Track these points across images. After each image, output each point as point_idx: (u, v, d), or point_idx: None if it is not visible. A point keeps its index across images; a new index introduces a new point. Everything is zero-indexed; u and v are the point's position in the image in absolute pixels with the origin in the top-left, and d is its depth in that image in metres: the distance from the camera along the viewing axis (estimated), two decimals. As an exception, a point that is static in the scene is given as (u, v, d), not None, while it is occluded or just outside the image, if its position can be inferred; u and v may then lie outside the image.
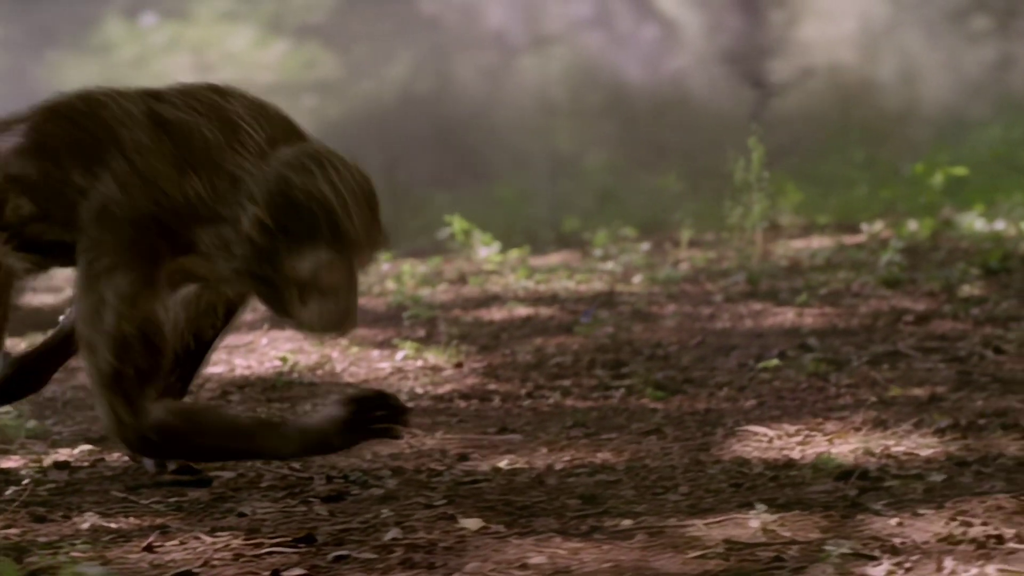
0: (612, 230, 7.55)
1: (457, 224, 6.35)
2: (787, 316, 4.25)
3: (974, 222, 6.87)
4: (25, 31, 12.51)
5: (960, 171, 7.06)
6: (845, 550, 1.94)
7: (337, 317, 2.30)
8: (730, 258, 5.79)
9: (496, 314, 4.70)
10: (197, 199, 2.33)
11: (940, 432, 2.78)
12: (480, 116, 12.99)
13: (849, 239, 6.73)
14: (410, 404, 3.42)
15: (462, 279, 5.75)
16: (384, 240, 2.35)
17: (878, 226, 7.11)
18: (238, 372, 3.84)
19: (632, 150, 12.28)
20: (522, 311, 4.69)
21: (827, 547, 1.95)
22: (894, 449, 2.64)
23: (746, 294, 4.70)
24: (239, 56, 13.46)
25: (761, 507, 2.21)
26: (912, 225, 6.91)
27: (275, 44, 13.69)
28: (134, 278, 2.33)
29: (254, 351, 4.17)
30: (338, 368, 3.84)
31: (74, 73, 13.69)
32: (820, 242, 6.66)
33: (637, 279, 5.30)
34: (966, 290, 4.62)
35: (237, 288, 2.44)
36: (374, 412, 2.36)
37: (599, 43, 11.70)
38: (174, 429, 2.36)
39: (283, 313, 2.33)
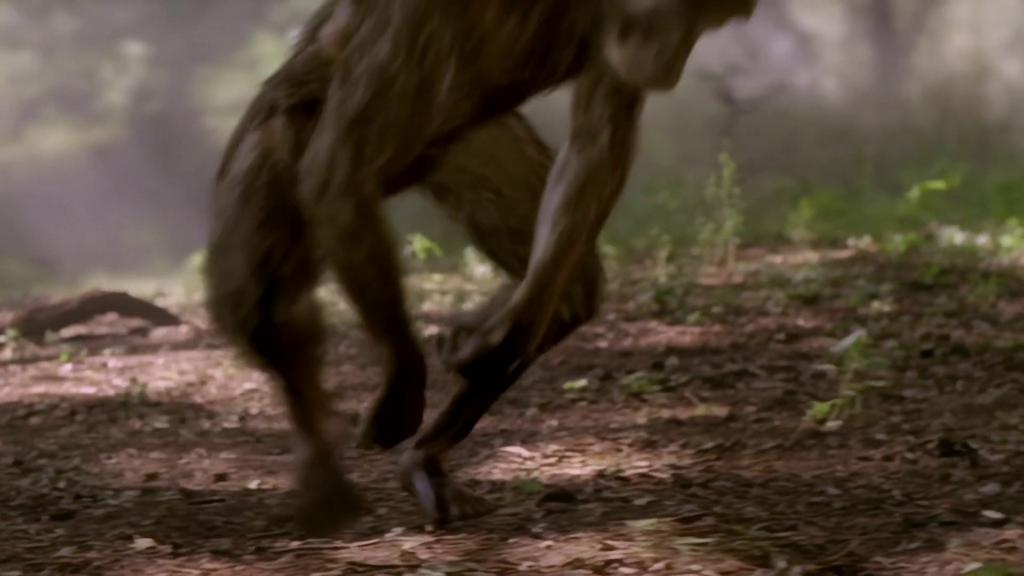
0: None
1: (418, 243, 6.35)
2: (668, 335, 4.20)
3: (954, 236, 6.75)
4: (180, 48, 12.86)
5: (938, 185, 6.93)
6: (439, 573, 1.92)
7: (652, 71, 1.88)
8: (688, 275, 5.73)
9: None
10: None
11: (700, 453, 2.74)
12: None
13: (833, 254, 6.64)
14: (230, 424, 3.45)
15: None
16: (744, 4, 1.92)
17: (865, 241, 7.01)
18: (90, 392, 3.89)
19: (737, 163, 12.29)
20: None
21: (423, 570, 1.93)
22: (633, 471, 2.60)
23: (650, 313, 4.65)
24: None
25: (428, 529, 2.20)
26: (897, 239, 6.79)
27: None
28: (442, 24, 1.90)
29: (105, 370, 4.24)
30: (192, 389, 3.88)
31: (224, 89, 13.99)
32: (804, 257, 6.57)
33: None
34: (875, 307, 4.53)
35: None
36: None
37: (730, 55, 11.64)
38: (373, 220, 1.94)
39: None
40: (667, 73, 1.90)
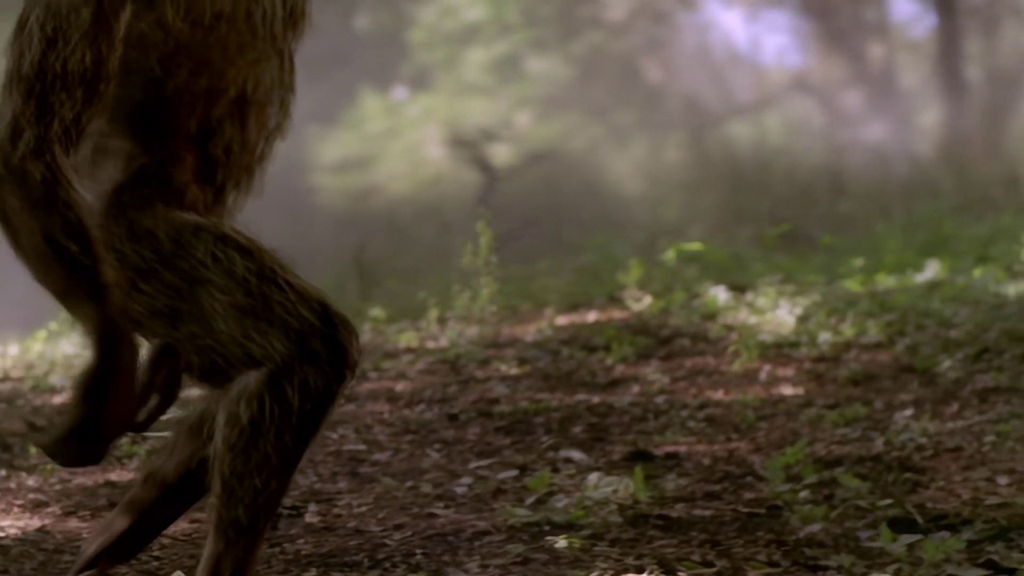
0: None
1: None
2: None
3: (718, 296, 6.97)
4: (294, 108, 13.49)
5: (695, 246, 7.19)
6: None
7: None
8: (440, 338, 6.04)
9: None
10: None
11: (91, 511, 3.12)
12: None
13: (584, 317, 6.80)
14: None
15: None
16: None
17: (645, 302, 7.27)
18: None
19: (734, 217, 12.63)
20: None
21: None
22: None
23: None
24: (487, 127, 14.15)
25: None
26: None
27: (521, 115, 14.46)
28: None
29: None
30: None
31: (331, 145, 14.36)
32: (553, 321, 6.72)
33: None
34: (501, 370, 4.88)
35: None
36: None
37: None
38: (64, 183, 1.81)
39: None
40: None
